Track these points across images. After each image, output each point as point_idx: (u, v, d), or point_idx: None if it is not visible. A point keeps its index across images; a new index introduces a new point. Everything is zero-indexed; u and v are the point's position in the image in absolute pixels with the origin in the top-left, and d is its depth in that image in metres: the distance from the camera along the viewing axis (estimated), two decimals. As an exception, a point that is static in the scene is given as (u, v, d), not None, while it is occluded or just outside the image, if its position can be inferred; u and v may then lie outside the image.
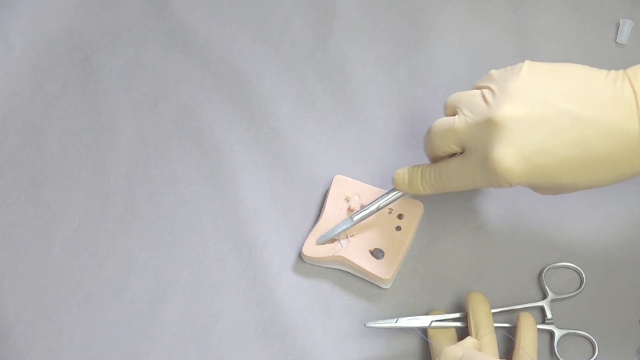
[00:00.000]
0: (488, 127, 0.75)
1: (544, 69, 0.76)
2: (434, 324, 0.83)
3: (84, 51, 1.00)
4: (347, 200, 0.89)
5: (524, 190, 0.90)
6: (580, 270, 0.86)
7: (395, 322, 0.83)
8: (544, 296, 0.85)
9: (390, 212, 0.88)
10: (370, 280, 0.87)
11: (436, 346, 0.81)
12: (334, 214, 0.89)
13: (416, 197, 0.87)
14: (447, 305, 0.86)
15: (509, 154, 0.74)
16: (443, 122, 0.80)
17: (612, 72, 0.75)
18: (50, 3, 1.01)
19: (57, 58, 0.99)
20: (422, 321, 0.83)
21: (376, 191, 0.89)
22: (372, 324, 0.83)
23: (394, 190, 0.85)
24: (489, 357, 0.75)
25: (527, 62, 0.77)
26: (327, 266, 0.88)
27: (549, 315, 0.84)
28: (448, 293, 0.87)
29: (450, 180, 0.80)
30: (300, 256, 0.89)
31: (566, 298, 0.86)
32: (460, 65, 0.97)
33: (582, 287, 0.86)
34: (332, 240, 0.88)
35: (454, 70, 0.97)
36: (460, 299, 0.86)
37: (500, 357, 0.82)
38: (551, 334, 0.84)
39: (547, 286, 0.86)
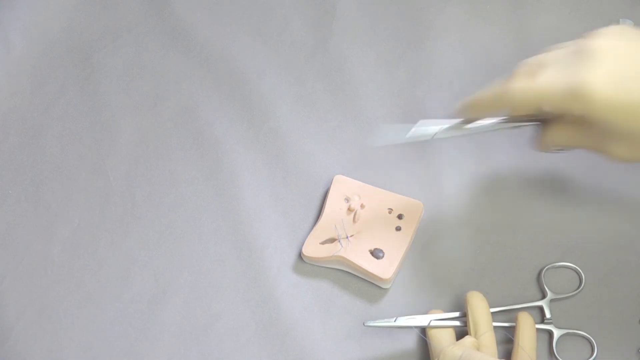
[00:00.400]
0: (579, 53, 0.73)
1: (620, 29, 0.75)
2: (433, 323, 0.83)
3: (84, 51, 1.00)
4: (347, 200, 0.89)
5: (523, 190, 0.90)
6: (580, 270, 0.86)
7: (395, 321, 0.83)
8: (543, 296, 0.85)
9: (390, 212, 0.89)
10: (370, 280, 0.87)
11: (435, 346, 0.81)
12: (334, 214, 0.89)
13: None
14: (447, 305, 0.86)
15: (599, 76, 0.71)
16: (522, 67, 0.77)
17: None
18: (50, 3, 1.01)
19: (57, 58, 0.99)
20: (422, 320, 0.83)
21: (376, 191, 0.89)
22: (371, 323, 0.83)
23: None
24: (488, 357, 0.75)
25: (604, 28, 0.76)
26: (327, 266, 0.88)
27: (548, 315, 0.84)
28: (448, 293, 0.87)
29: (518, 98, 0.76)
30: (300, 256, 0.89)
31: (565, 298, 0.86)
32: (460, 65, 0.97)
33: (582, 287, 0.86)
34: (332, 240, 0.88)
35: (454, 70, 0.97)
36: (460, 299, 0.86)
37: (499, 357, 0.82)
38: (550, 333, 0.84)
39: (547, 286, 0.86)
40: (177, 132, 0.95)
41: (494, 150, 0.93)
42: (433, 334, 0.82)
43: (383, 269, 0.86)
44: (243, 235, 0.90)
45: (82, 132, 0.96)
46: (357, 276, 0.88)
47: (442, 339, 0.82)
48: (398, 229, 0.88)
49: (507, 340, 0.84)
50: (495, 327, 0.83)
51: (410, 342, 0.85)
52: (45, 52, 0.99)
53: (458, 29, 0.99)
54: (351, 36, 0.99)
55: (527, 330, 0.82)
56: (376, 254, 0.87)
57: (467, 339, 0.79)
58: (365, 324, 0.83)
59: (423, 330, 0.84)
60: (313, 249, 0.88)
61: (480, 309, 0.82)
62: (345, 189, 0.90)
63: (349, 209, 0.89)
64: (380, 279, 0.86)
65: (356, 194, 0.90)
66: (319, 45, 0.99)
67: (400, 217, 0.88)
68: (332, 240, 0.88)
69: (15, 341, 0.86)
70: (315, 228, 0.89)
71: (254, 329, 0.86)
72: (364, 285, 0.88)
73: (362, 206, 0.89)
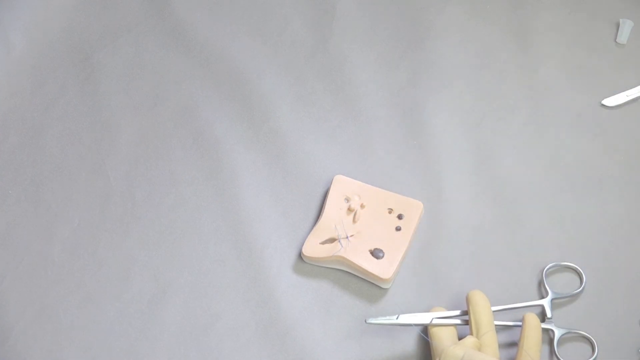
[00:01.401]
0: None
1: None
2: (435, 321, 0.83)
3: (84, 51, 1.00)
4: (347, 200, 0.89)
5: (523, 190, 0.91)
6: (580, 270, 0.86)
7: (397, 318, 0.83)
8: (544, 295, 0.85)
9: (390, 212, 0.88)
10: (370, 280, 0.87)
11: (437, 345, 0.81)
12: (334, 214, 0.89)
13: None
14: (447, 305, 0.86)
15: None
16: None
17: None
18: (50, 3, 1.01)
19: (57, 58, 0.99)
20: (423, 318, 0.83)
21: (376, 191, 0.89)
22: (372, 321, 0.82)
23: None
24: (490, 358, 0.75)
25: None
26: (327, 266, 0.88)
27: (549, 314, 0.84)
28: (448, 293, 0.87)
29: None
30: (300, 256, 0.89)
31: (566, 297, 0.86)
32: (460, 65, 0.97)
33: (583, 286, 0.86)
34: (332, 240, 0.88)
35: (454, 70, 0.97)
36: (460, 299, 0.86)
37: (501, 356, 0.82)
38: (551, 333, 0.84)
39: (547, 285, 0.86)
40: (177, 132, 0.95)
41: (493, 150, 0.93)
42: (435, 333, 0.82)
43: (383, 269, 0.86)
44: (243, 235, 0.90)
45: (82, 132, 0.96)
46: (357, 276, 0.88)
47: (444, 338, 0.81)
48: (398, 229, 0.88)
49: (509, 339, 0.84)
50: (497, 325, 0.82)
51: (411, 342, 0.85)
52: (45, 52, 0.99)
53: (458, 29, 0.99)
54: (351, 36, 0.99)
55: (532, 332, 0.81)
56: (376, 254, 0.86)
57: (468, 339, 0.79)
58: (367, 321, 0.82)
59: (424, 329, 0.84)
60: (313, 249, 0.88)
61: (481, 308, 0.82)
62: (345, 189, 0.90)
63: (349, 209, 0.89)
64: (380, 279, 0.86)
65: (356, 194, 0.89)
66: (319, 45, 0.99)
67: (400, 217, 0.88)
68: (332, 240, 0.88)
69: (15, 341, 0.86)
70: (315, 228, 0.88)
71: (254, 329, 0.86)
72: (364, 285, 0.88)
73: (362, 206, 0.89)
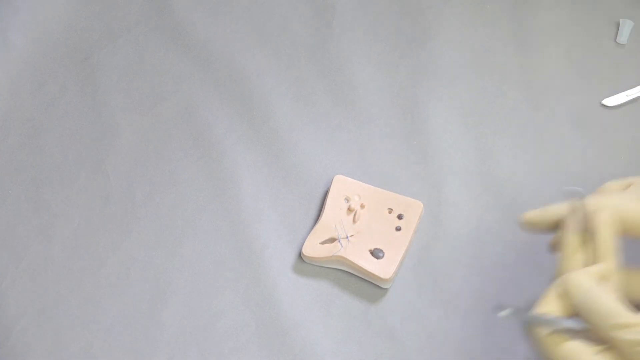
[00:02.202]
0: None
1: None
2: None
3: (84, 51, 1.00)
4: (347, 200, 0.89)
5: (523, 190, 0.90)
6: None
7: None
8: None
9: (390, 212, 0.88)
10: (371, 280, 0.87)
11: (563, 260, 0.67)
12: (334, 214, 0.89)
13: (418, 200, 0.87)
14: (446, 303, 0.86)
15: None
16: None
17: None
18: (50, 3, 1.01)
19: (57, 58, 0.99)
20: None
21: (376, 191, 0.89)
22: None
23: None
24: (624, 309, 0.62)
25: None
26: (327, 266, 0.88)
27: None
28: (448, 293, 0.87)
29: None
30: (300, 256, 0.89)
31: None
32: (460, 65, 0.97)
33: None
34: (332, 240, 0.88)
35: (454, 70, 0.97)
36: (460, 298, 0.86)
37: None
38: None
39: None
40: (177, 132, 0.95)
41: (493, 150, 0.93)
42: (567, 242, 0.68)
43: (383, 269, 0.86)
44: (243, 236, 0.90)
45: (82, 132, 0.96)
46: (357, 276, 0.88)
47: (575, 255, 0.68)
48: (398, 229, 0.88)
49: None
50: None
51: (411, 342, 0.85)
52: (45, 52, 0.99)
53: (458, 29, 0.99)
54: (351, 36, 0.99)
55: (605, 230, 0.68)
56: (376, 254, 0.87)
57: (596, 267, 0.66)
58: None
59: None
60: (313, 249, 0.88)
61: (608, 235, 0.68)
62: (345, 189, 0.90)
63: (349, 209, 0.89)
64: (380, 279, 0.86)
65: (356, 194, 0.89)
66: (319, 45, 0.99)
67: (400, 217, 0.88)
68: (332, 240, 0.88)
69: (15, 341, 0.86)
70: (315, 228, 0.88)
71: (254, 329, 0.86)
72: (364, 285, 0.88)
73: (362, 206, 0.89)
